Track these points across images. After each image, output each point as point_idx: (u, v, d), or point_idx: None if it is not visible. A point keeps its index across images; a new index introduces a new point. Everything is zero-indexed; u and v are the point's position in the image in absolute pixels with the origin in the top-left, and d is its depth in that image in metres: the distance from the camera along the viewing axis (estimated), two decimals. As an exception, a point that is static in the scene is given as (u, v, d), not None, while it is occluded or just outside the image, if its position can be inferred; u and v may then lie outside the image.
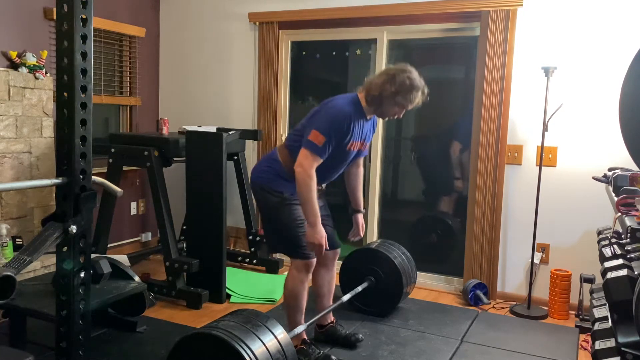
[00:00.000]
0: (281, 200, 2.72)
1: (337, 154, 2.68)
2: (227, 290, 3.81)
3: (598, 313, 2.06)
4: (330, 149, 2.60)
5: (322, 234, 2.59)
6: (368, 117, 2.77)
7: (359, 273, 3.47)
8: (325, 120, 2.59)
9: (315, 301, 3.04)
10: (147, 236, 5.02)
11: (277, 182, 2.74)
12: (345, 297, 3.20)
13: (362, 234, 3.12)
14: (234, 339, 2.13)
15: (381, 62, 4.23)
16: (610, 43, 3.50)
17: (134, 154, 3.81)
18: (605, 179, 2.65)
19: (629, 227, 1.80)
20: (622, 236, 2.26)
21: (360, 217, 3.11)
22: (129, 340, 3.07)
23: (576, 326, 3.45)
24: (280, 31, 4.51)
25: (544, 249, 3.79)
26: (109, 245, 4.21)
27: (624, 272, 1.81)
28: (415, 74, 2.65)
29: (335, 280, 3.06)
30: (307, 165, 2.55)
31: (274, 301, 3.80)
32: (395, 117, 2.75)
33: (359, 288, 3.33)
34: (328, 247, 2.68)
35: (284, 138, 4.59)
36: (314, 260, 2.75)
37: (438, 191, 4.40)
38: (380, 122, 4.27)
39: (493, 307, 3.79)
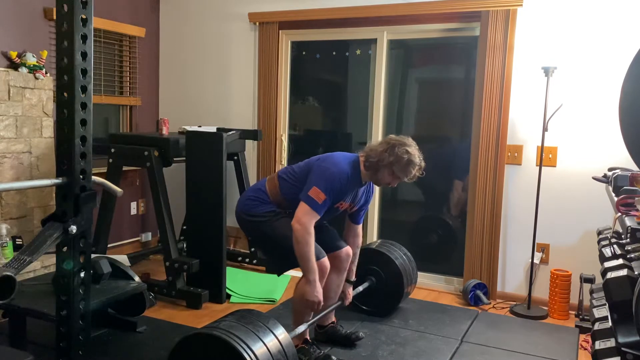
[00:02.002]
0: (271, 217, 2.75)
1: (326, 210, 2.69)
2: (227, 290, 3.81)
3: (598, 313, 2.06)
4: (327, 206, 2.63)
5: (320, 291, 2.63)
6: (363, 182, 2.79)
7: (360, 273, 3.46)
8: (326, 178, 2.60)
9: None
10: (147, 236, 5.02)
11: (262, 207, 2.77)
12: (346, 297, 3.20)
13: (347, 304, 3.13)
14: (235, 339, 2.13)
15: (381, 62, 4.23)
16: (610, 43, 3.50)
17: (134, 154, 3.81)
18: (605, 179, 2.65)
19: (629, 227, 1.81)
20: (622, 236, 2.26)
21: (349, 288, 3.10)
22: (129, 340, 3.07)
23: (576, 326, 3.45)
24: (280, 31, 4.51)
25: (544, 249, 3.79)
26: (109, 245, 4.21)
27: (624, 272, 1.81)
28: (413, 149, 2.66)
29: (342, 284, 3.05)
30: (306, 222, 2.57)
31: (274, 301, 3.80)
32: (389, 185, 2.79)
33: (360, 288, 3.33)
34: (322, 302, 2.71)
35: (284, 138, 4.60)
36: (327, 262, 2.74)
37: (438, 191, 4.39)
38: (380, 120, 4.28)
39: (493, 307, 3.80)
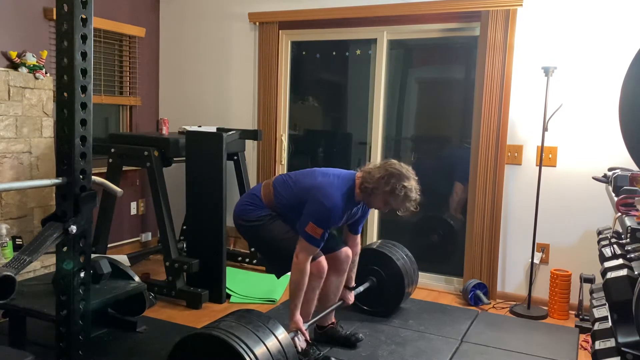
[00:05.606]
0: (266, 221, 2.80)
1: None
2: (227, 290, 3.81)
3: (598, 313, 2.06)
4: (326, 236, 2.68)
5: (301, 321, 2.71)
6: (357, 202, 2.80)
7: (360, 273, 3.45)
8: (321, 213, 2.63)
9: (318, 302, 3.03)
10: (147, 236, 5.02)
11: (258, 211, 2.82)
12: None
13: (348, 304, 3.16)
14: (235, 339, 2.13)
15: (381, 62, 4.23)
16: (610, 43, 3.50)
17: (134, 154, 3.81)
18: (605, 179, 2.65)
19: (629, 227, 1.80)
20: (622, 236, 2.26)
21: (349, 294, 3.12)
22: (129, 340, 3.07)
23: (576, 326, 3.45)
24: (280, 31, 4.51)
25: (544, 249, 3.79)
26: (109, 245, 4.21)
27: (624, 272, 1.81)
28: (411, 183, 2.62)
29: (342, 286, 3.05)
30: (304, 258, 2.64)
31: (274, 301, 3.80)
32: (380, 210, 2.82)
33: (361, 288, 3.33)
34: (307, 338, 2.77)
35: (284, 138, 4.60)
36: (324, 262, 2.76)
37: (438, 191, 4.39)
38: (380, 120, 4.28)
39: (493, 307, 3.79)
